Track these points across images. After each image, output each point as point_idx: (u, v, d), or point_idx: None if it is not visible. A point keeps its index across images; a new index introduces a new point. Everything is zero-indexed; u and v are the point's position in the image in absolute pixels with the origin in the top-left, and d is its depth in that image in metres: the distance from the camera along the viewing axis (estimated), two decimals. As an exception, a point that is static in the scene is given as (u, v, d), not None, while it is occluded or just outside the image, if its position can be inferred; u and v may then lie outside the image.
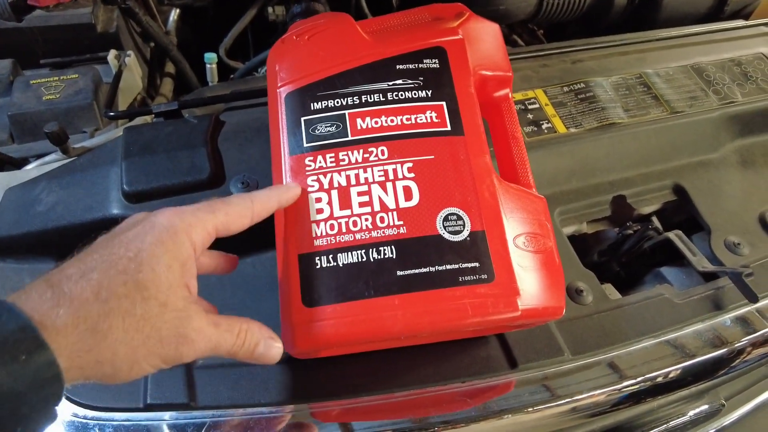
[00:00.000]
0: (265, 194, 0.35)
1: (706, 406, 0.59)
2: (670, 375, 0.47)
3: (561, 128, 0.55)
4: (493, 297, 0.34)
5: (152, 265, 0.28)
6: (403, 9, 0.47)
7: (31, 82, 0.62)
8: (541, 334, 0.44)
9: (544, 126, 0.55)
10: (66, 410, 0.40)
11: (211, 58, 0.77)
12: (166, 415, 0.40)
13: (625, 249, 0.55)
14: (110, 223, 0.47)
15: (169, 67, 0.86)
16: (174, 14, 0.94)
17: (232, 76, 0.86)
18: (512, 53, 0.64)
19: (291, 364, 0.42)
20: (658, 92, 0.61)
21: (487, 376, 0.42)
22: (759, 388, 0.69)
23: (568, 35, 0.97)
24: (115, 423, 0.40)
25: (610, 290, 0.52)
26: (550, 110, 0.57)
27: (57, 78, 0.63)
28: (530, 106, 0.56)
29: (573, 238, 0.55)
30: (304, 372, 0.42)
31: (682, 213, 0.60)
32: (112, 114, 0.56)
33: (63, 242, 0.48)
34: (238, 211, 0.33)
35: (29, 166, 0.56)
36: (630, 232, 0.54)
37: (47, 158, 0.56)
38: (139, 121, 0.62)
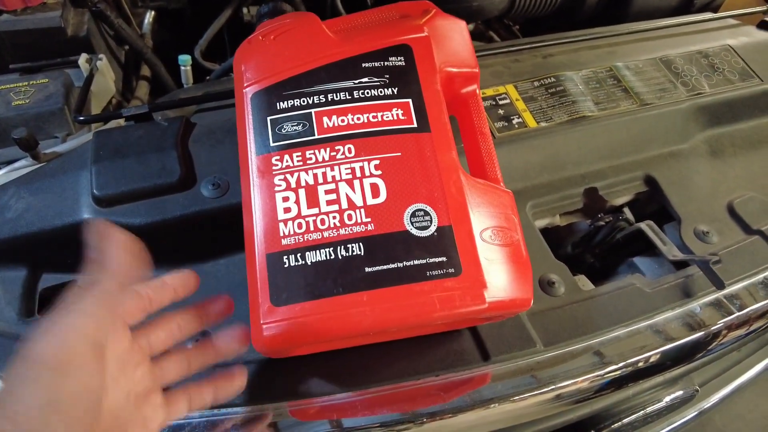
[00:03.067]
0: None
1: (681, 392, 0.60)
2: (650, 359, 0.48)
3: (531, 123, 0.56)
4: (460, 290, 0.35)
5: (74, 376, 0.26)
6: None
7: (0, 87, 0.61)
8: (513, 326, 0.45)
9: (515, 121, 0.56)
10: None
11: (185, 60, 0.76)
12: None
13: (598, 240, 0.55)
14: (81, 228, 0.47)
15: (145, 70, 0.86)
16: (149, 16, 0.94)
17: (208, 77, 0.85)
18: (484, 49, 0.65)
19: (265, 365, 0.42)
20: (628, 85, 0.62)
21: (461, 369, 0.43)
22: (732, 374, 0.71)
23: (544, 30, 0.98)
24: None
25: (584, 281, 0.53)
26: (520, 105, 0.57)
27: (26, 83, 0.63)
28: (501, 102, 0.57)
29: (546, 231, 0.56)
30: (279, 371, 0.42)
31: (654, 203, 0.61)
32: (81, 118, 0.55)
33: (33, 249, 0.48)
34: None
35: (-1, 173, 0.55)
36: (602, 223, 0.55)
37: (17, 164, 0.55)
38: (112, 124, 0.61)
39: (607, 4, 0.87)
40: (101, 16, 0.74)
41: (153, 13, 0.94)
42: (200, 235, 0.47)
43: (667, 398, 0.60)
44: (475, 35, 0.97)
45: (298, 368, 0.43)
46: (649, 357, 0.47)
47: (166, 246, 0.48)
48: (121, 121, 0.59)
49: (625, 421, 0.58)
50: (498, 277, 0.36)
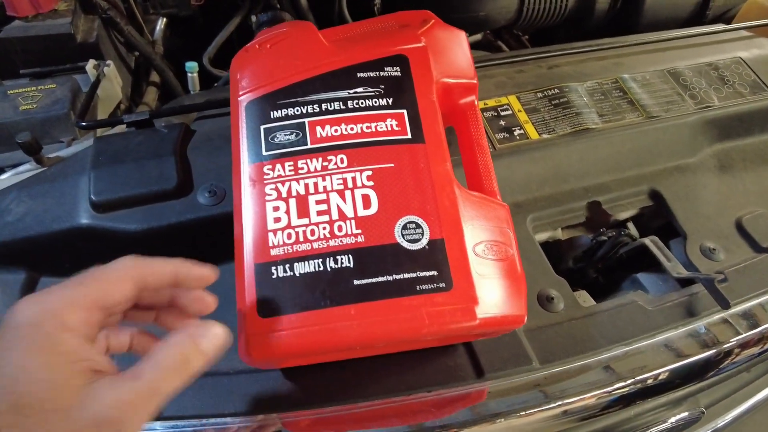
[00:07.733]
0: (161, 261, 0.32)
1: (686, 413, 0.58)
2: (657, 377, 0.47)
3: (533, 134, 0.55)
4: (450, 306, 0.34)
5: (27, 375, 0.25)
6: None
7: (9, 92, 0.63)
8: (509, 343, 0.44)
9: (516, 132, 0.55)
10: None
11: (191, 67, 0.77)
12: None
13: (600, 255, 0.54)
14: (79, 232, 0.47)
15: (154, 76, 0.87)
16: (161, 23, 0.95)
17: (215, 84, 0.86)
18: (488, 59, 0.64)
19: (253, 375, 0.42)
20: (634, 97, 0.61)
21: (453, 385, 0.42)
22: (740, 396, 0.69)
23: (554, 41, 0.97)
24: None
25: (584, 297, 0.51)
26: (522, 116, 0.56)
27: (35, 88, 0.64)
28: (503, 113, 0.56)
29: (547, 245, 0.55)
30: (268, 382, 0.42)
31: (660, 218, 0.59)
32: (83, 124, 0.56)
33: (32, 252, 0.48)
34: (116, 276, 0.29)
35: (4, 176, 0.56)
36: (604, 238, 0.53)
37: (21, 168, 0.56)
38: (118, 130, 0.62)
39: (617, 15, 0.86)
40: (111, 22, 0.75)
41: (164, 20, 0.95)
42: (196, 242, 0.47)
43: (672, 419, 0.58)
44: (483, 45, 0.97)
45: (289, 380, 0.42)
46: (656, 375, 0.46)
47: (162, 252, 0.48)
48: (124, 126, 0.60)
49: (628, 441, 0.56)
50: (490, 292, 0.36)
